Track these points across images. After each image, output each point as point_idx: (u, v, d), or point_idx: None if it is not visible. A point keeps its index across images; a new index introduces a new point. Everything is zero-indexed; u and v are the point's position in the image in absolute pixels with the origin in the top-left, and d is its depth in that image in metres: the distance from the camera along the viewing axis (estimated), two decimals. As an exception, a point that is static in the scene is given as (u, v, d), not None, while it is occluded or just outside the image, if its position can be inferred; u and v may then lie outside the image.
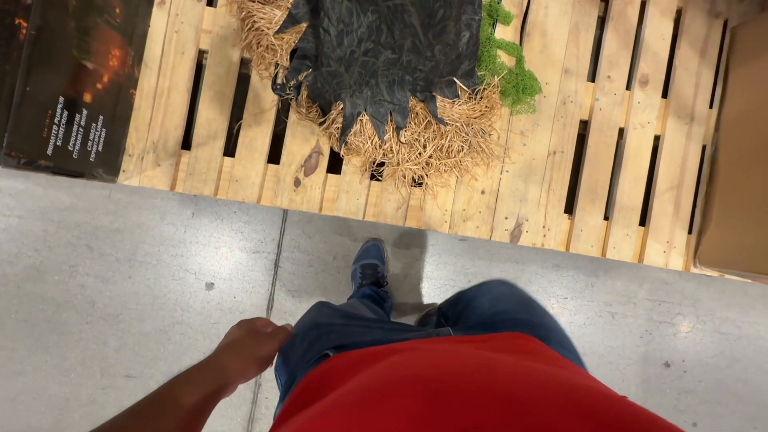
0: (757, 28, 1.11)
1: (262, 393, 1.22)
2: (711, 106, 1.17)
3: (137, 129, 1.03)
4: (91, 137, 0.89)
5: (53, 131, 0.79)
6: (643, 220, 1.16)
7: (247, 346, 0.46)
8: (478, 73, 1.06)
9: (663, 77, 1.15)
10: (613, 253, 1.13)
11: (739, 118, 1.11)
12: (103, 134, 0.92)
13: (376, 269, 1.18)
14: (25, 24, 0.68)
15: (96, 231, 1.18)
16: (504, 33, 1.11)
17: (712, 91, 1.17)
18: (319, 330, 0.50)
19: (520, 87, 1.08)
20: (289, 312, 1.22)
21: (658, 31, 1.15)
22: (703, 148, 1.18)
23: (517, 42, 1.11)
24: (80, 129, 0.85)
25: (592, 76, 1.16)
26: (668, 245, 1.15)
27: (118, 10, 0.91)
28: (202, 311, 1.21)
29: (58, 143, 0.80)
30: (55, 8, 0.74)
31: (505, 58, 1.10)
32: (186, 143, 1.07)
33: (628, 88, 1.15)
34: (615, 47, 1.14)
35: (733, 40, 1.17)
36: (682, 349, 1.33)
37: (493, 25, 1.10)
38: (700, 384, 1.34)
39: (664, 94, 1.17)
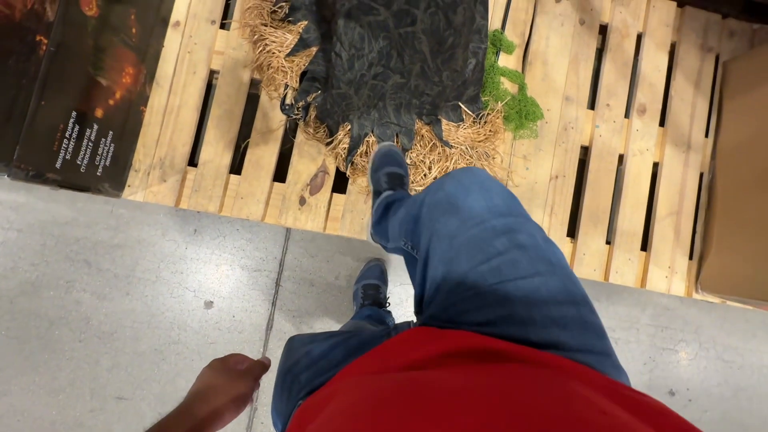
0: (747, 63, 1.17)
1: (258, 418, 1.18)
2: (707, 135, 1.21)
3: (145, 145, 1.03)
4: (99, 152, 0.89)
5: (63, 145, 0.79)
6: (645, 245, 1.17)
7: (219, 389, 0.44)
8: (482, 99, 1.09)
9: (660, 106, 1.19)
10: (616, 277, 1.13)
11: (735, 147, 1.14)
12: (111, 149, 0.93)
13: (378, 290, 1.17)
14: (45, 41, 0.70)
15: (96, 246, 1.16)
16: (507, 61, 1.15)
17: (707, 120, 1.21)
18: (291, 374, 0.48)
19: (523, 113, 1.11)
20: (289, 333, 1.19)
21: (653, 63, 1.20)
22: (701, 175, 1.20)
23: (520, 70, 1.15)
24: (90, 143, 0.86)
25: (592, 104, 1.19)
26: (670, 270, 1.16)
27: (134, 30, 0.93)
28: (200, 330, 1.18)
29: (67, 157, 0.81)
30: (75, 26, 0.76)
31: (508, 85, 1.14)
32: (192, 160, 1.07)
33: (626, 116, 1.19)
34: (613, 77, 1.18)
35: (726, 74, 1.22)
36: (686, 378, 1.32)
37: (497, 54, 1.14)
38: (705, 414, 1.32)
39: (662, 123, 1.20)
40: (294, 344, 0.55)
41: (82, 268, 1.16)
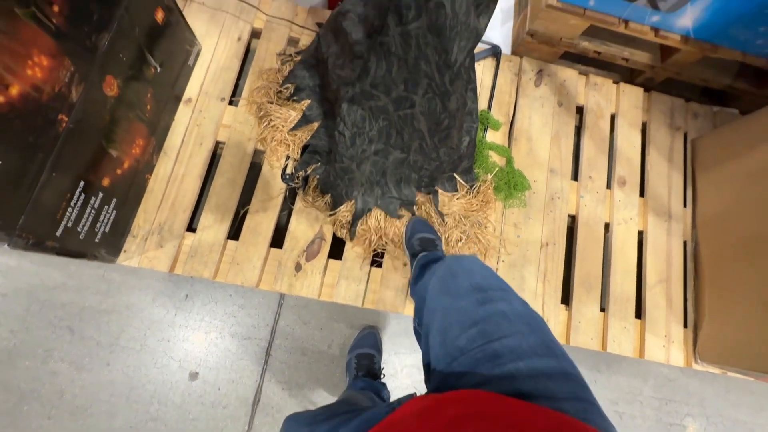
0: (712, 141, 1.27)
1: None
2: (685, 206, 1.28)
3: (146, 211, 1.05)
4: (101, 219, 0.91)
5: (67, 213, 0.80)
6: (639, 313, 1.18)
7: None
8: (474, 171, 1.15)
9: (638, 179, 1.27)
10: (614, 346, 1.12)
11: (713, 217, 1.20)
12: (112, 216, 0.94)
13: (373, 360, 1.13)
14: (66, 119, 0.75)
15: (82, 312, 1.12)
16: (494, 137, 1.24)
17: (684, 192, 1.29)
18: None
19: (511, 183, 1.18)
20: (277, 407, 1.12)
21: (628, 140, 1.30)
22: (685, 243, 1.25)
23: (506, 145, 1.24)
24: (93, 211, 0.88)
25: (575, 176, 1.27)
26: (666, 339, 1.15)
27: (149, 107, 1.00)
28: (182, 405, 1.10)
29: (69, 225, 0.82)
30: (95, 105, 0.82)
31: (496, 158, 1.21)
32: (191, 225, 1.09)
33: (608, 186, 1.26)
34: (593, 152, 1.27)
35: (695, 150, 1.33)
36: (698, 457, 1.24)
37: (485, 130, 1.23)
38: (723, 499, 1.22)
39: (642, 193, 1.27)
40: (291, 426, 0.53)
41: (64, 336, 1.11)
